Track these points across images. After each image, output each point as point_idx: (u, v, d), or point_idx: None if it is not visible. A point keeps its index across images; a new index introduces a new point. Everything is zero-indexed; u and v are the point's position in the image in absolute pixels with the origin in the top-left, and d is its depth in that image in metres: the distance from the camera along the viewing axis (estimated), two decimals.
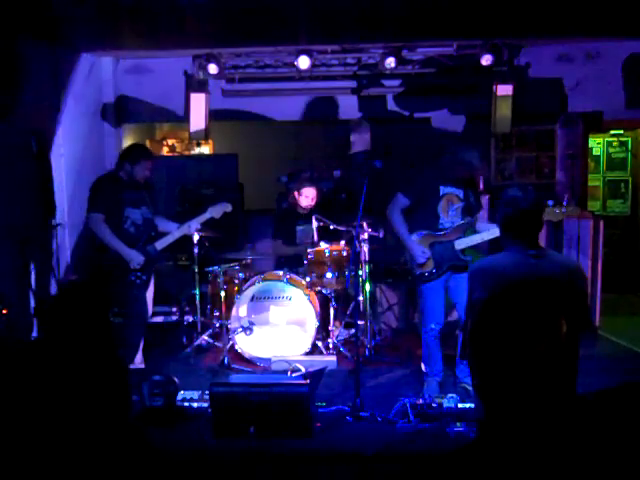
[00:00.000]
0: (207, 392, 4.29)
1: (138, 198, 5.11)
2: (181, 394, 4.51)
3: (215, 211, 5.46)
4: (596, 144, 8.65)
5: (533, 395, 1.39)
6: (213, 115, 6.71)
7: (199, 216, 5.46)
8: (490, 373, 1.42)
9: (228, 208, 5.51)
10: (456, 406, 4.26)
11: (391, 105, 7.24)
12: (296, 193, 6.23)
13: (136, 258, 4.99)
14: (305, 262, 5.86)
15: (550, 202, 4.04)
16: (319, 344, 5.67)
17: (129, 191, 5.07)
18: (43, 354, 2.77)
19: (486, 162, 7.31)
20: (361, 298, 5.67)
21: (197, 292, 5.96)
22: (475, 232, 4.77)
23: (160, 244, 5.20)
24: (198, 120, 6.49)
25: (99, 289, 4.87)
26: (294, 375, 4.86)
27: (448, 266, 4.75)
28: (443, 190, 4.79)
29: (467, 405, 4.27)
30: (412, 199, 4.84)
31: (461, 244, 4.74)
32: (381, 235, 5.85)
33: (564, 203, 4.08)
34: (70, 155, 6.24)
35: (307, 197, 6.14)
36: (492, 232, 4.56)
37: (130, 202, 5.06)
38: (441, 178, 4.80)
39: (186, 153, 8.76)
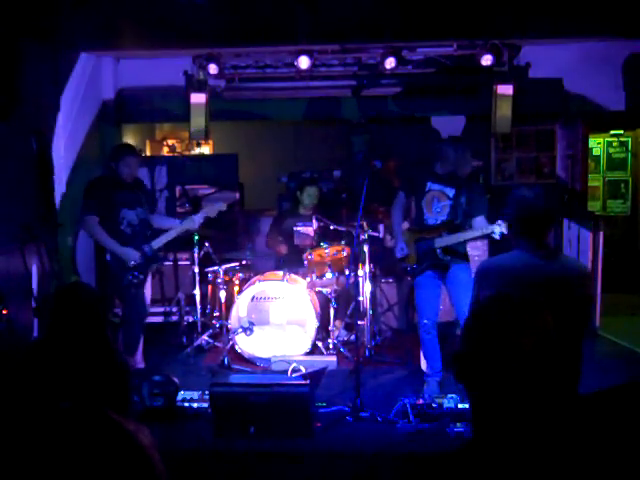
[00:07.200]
0: (207, 392, 4.29)
1: (132, 199, 5.11)
2: (181, 394, 4.50)
3: (210, 211, 5.44)
4: (596, 144, 8.64)
5: (522, 394, 1.39)
6: (213, 115, 6.70)
7: (196, 214, 5.43)
8: (477, 370, 1.42)
9: (223, 207, 5.51)
10: (456, 406, 4.26)
11: (391, 105, 7.24)
12: (299, 193, 6.26)
13: (132, 255, 5.01)
14: (305, 262, 5.86)
15: None
16: (319, 344, 5.66)
17: (122, 192, 5.08)
18: (44, 354, 2.78)
19: (483, 160, 7.30)
20: (361, 298, 5.67)
21: (197, 292, 5.96)
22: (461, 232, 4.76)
23: (157, 242, 5.20)
24: (198, 120, 6.49)
25: (98, 289, 4.88)
26: (294, 375, 4.86)
27: (428, 264, 4.78)
28: (430, 186, 4.84)
29: (467, 405, 4.27)
30: (407, 195, 4.99)
31: (440, 242, 4.73)
32: (381, 235, 5.85)
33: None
34: (70, 155, 6.24)
35: (310, 196, 6.18)
36: (471, 233, 4.64)
37: (124, 203, 5.07)
38: (430, 174, 4.86)
39: (186, 153, 8.75)
